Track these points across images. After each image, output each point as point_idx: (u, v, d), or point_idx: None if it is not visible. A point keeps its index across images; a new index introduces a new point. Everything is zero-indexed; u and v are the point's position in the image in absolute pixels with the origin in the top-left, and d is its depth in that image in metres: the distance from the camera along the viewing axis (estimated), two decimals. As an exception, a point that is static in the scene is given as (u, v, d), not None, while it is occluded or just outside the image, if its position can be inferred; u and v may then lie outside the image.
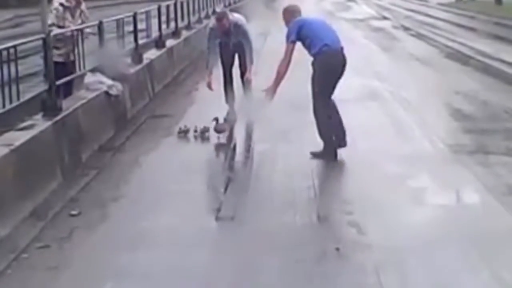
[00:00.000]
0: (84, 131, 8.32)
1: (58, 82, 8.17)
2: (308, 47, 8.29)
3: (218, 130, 9.12)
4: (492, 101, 11.60)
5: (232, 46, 10.05)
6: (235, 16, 10.06)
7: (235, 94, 10.35)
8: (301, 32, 8.25)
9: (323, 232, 6.03)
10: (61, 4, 9.33)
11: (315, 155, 8.20)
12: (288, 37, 8.36)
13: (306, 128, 9.80)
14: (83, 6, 9.64)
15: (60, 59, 8.95)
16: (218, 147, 8.99)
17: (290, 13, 8.69)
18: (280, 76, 8.45)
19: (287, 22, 8.58)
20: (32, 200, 6.45)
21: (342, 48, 8.41)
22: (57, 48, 8.83)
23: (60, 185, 7.14)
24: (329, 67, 8.20)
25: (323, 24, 8.68)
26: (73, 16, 9.32)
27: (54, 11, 9.19)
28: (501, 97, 11.93)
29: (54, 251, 5.66)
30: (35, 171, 6.68)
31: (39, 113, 7.71)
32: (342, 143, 8.24)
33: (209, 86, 10.02)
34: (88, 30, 9.46)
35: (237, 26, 9.85)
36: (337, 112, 8.39)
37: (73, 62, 9.27)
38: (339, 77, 8.34)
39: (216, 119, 9.18)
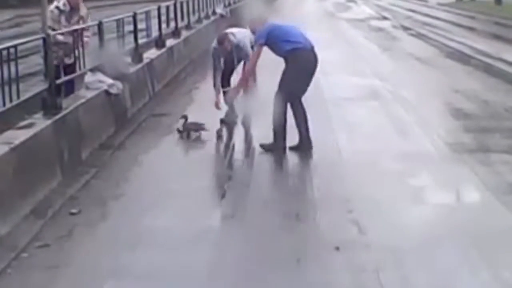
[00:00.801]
0: (84, 130, 8.32)
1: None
2: (279, 48, 8.38)
3: (184, 129, 9.16)
4: (492, 100, 11.60)
5: (236, 61, 9.98)
6: (236, 37, 9.70)
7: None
8: (271, 35, 8.35)
9: (323, 231, 6.02)
10: (57, 7, 9.31)
11: (264, 147, 8.37)
12: (257, 40, 8.47)
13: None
14: (84, 12, 9.56)
15: (54, 62, 8.84)
16: (218, 146, 8.99)
17: (256, 23, 8.79)
18: (245, 77, 8.64)
19: (255, 30, 8.71)
20: (32, 198, 6.45)
21: (313, 47, 8.50)
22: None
23: (60, 183, 7.14)
24: (303, 64, 8.32)
25: (292, 27, 8.82)
26: (68, 20, 9.25)
27: (50, 14, 9.13)
28: (501, 96, 11.94)
29: (54, 250, 5.65)
30: (35, 169, 6.67)
31: (39, 112, 7.71)
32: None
33: (217, 106, 9.74)
34: (86, 38, 9.36)
35: (239, 48, 9.71)
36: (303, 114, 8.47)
37: (70, 65, 9.21)
38: (312, 75, 8.44)
39: (185, 117, 9.19)
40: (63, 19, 9.21)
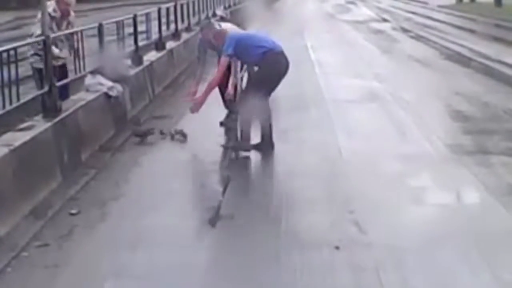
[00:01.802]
0: (84, 132, 8.33)
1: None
2: (250, 55, 8.42)
3: (136, 134, 9.26)
4: (492, 102, 11.61)
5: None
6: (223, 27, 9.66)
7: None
8: (239, 44, 8.38)
9: (323, 231, 6.03)
10: (48, 14, 9.26)
11: (226, 147, 8.48)
12: (225, 51, 8.45)
13: (306, 129, 9.85)
14: (72, 17, 9.53)
15: (42, 66, 8.83)
16: (218, 147, 8.99)
17: (221, 34, 8.78)
18: (211, 87, 8.65)
19: (220, 43, 8.65)
20: (32, 199, 6.46)
21: (283, 51, 8.56)
22: (39, 55, 8.78)
23: (60, 184, 7.14)
24: (275, 70, 8.38)
25: (259, 34, 8.95)
26: (58, 27, 9.23)
27: (38, 24, 9.07)
28: (501, 98, 11.94)
29: (54, 250, 5.66)
30: (35, 171, 6.68)
31: (39, 114, 7.72)
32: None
33: (193, 94, 9.46)
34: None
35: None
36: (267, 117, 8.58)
37: (60, 67, 9.17)
38: (282, 77, 8.49)
39: (137, 121, 9.27)
40: (54, 25, 9.18)
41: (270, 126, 8.57)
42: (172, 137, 9.22)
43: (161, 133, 9.31)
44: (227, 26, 9.63)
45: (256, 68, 8.64)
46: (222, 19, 24.02)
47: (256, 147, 8.50)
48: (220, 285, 5.15)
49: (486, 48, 19.17)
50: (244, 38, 8.57)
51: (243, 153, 8.48)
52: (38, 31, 8.72)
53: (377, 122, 10.32)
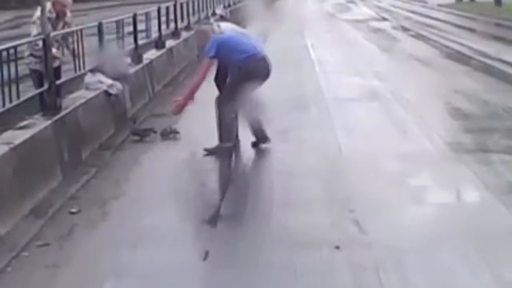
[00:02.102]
0: (84, 130, 8.32)
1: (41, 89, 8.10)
2: (232, 58, 8.42)
3: (134, 133, 9.29)
4: (492, 100, 11.61)
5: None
6: (222, 28, 9.13)
7: None
8: (221, 47, 8.38)
9: (323, 231, 6.02)
10: None
11: (209, 151, 8.39)
12: (206, 53, 8.45)
13: (306, 128, 9.85)
14: (68, 18, 9.50)
15: (37, 67, 8.82)
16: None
17: (204, 35, 8.76)
18: (193, 90, 8.57)
19: (203, 42, 8.66)
20: (32, 198, 6.45)
21: (266, 56, 8.59)
22: (34, 56, 8.75)
23: (60, 183, 7.14)
24: (255, 74, 8.37)
25: (243, 36, 8.80)
26: (54, 27, 9.21)
27: (38, 21, 9.06)
28: (501, 96, 11.93)
29: (54, 249, 5.66)
30: (35, 169, 6.68)
31: (39, 113, 7.72)
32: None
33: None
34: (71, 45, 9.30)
35: None
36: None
37: (55, 68, 9.13)
38: (262, 82, 8.51)
39: (134, 121, 9.36)
40: (49, 26, 9.17)
41: (259, 122, 8.54)
42: (163, 136, 9.21)
43: (154, 132, 9.30)
44: (226, 26, 9.60)
45: (237, 70, 8.59)
46: (222, 18, 24.00)
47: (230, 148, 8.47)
48: (220, 285, 5.15)
49: (486, 46, 19.17)
50: (227, 41, 8.54)
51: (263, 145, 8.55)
52: (35, 31, 8.73)
53: (377, 120, 10.32)
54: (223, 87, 8.74)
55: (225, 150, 8.37)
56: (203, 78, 8.51)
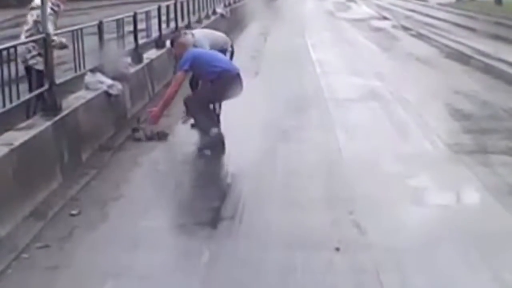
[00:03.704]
0: (84, 130, 8.31)
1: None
2: (206, 73, 8.64)
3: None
4: (492, 100, 11.61)
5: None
6: (195, 36, 9.44)
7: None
8: (196, 61, 8.59)
9: (323, 232, 6.02)
10: (52, 9, 9.23)
11: (201, 148, 8.61)
12: (181, 66, 8.64)
13: (306, 129, 9.85)
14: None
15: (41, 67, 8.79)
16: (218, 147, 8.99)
17: (182, 46, 9.00)
18: (168, 102, 8.76)
19: (179, 54, 8.87)
20: (32, 199, 6.44)
21: (239, 73, 8.76)
22: (41, 55, 8.62)
23: (60, 184, 7.13)
24: (227, 90, 8.61)
25: (217, 54, 9.03)
26: (55, 24, 9.22)
27: (51, 17, 9.04)
28: (501, 96, 11.95)
29: (54, 251, 5.65)
30: (35, 170, 6.67)
31: (39, 113, 7.72)
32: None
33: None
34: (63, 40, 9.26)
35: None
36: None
37: (39, 71, 9.05)
38: (230, 98, 8.77)
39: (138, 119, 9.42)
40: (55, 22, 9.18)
41: (207, 128, 8.68)
42: (148, 138, 9.20)
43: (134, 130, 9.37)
44: (199, 33, 9.74)
45: (209, 84, 8.75)
46: (222, 17, 23.97)
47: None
48: (219, 285, 5.15)
49: (486, 46, 19.17)
50: (201, 56, 8.75)
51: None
52: (50, 28, 8.68)
53: (377, 121, 10.32)
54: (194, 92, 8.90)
55: (215, 138, 8.54)
56: (176, 91, 8.69)
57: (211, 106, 8.99)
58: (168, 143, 9.10)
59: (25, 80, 8.91)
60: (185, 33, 9.59)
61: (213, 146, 8.52)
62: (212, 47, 9.46)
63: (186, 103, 8.83)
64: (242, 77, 8.76)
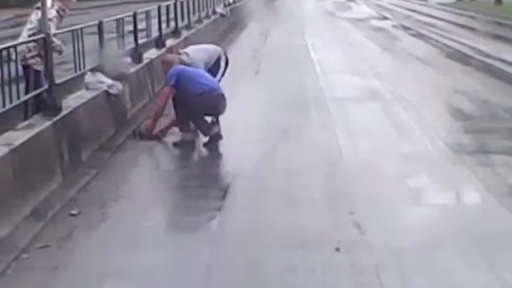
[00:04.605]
0: (84, 130, 8.31)
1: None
2: (190, 89, 8.81)
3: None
4: (492, 100, 11.61)
5: None
6: (190, 56, 9.73)
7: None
8: (181, 77, 8.87)
9: (323, 232, 6.02)
10: (57, 12, 9.22)
11: (207, 142, 8.85)
12: (168, 81, 8.97)
13: (306, 128, 9.85)
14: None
15: (41, 68, 8.71)
16: (218, 146, 9.00)
17: (168, 64, 9.34)
18: (157, 116, 9.12)
19: (165, 71, 9.19)
20: (32, 199, 6.44)
21: (223, 94, 9.02)
22: (41, 56, 8.57)
23: (60, 184, 7.13)
24: (209, 107, 8.90)
25: (203, 72, 9.30)
26: (58, 27, 9.21)
27: (55, 19, 9.04)
28: (501, 96, 11.94)
29: (54, 251, 5.65)
30: (35, 170, 6.67)
31: (39, 113, 7.71)
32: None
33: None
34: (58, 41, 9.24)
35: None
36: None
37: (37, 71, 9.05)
38: (210, 115, 9.05)
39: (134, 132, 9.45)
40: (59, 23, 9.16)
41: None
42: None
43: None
44: (194, 51, 9.89)
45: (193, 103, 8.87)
46: (222, 16, 23.99)
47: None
48: (220, 285, 5.15)
49: (486, 46, 19.17)
50: (187, 72, 9.00)
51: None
52: (53, 29, 8.67)
53: (377, 120, 10.32)
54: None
55: (215, 134, 8.88)
56: (165, 106, 9.03)
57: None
58: (168, 143, 9.10)
59: (22, 80, 8.89)
60: (180, 54, 9.87)
61: (215, 139, 8.85)
62: (208, 63, 9.76)
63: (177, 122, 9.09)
64: (225, 98, 8.98)
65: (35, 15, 9.02)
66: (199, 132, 9.00)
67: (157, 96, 9.66)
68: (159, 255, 5.59)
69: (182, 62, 9.47)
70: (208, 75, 9.27)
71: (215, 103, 8.88)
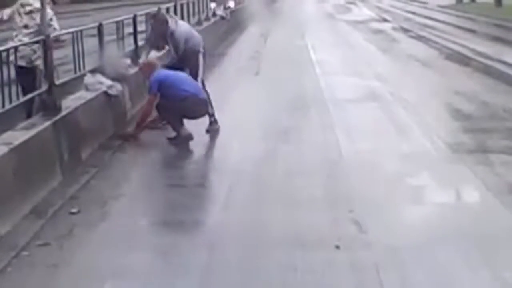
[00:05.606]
0: (83, 130, 8.32)
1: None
2: (173, 95, 8.92)
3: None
4: (491, 101, 11.62)
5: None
6: (178, 24, 9.82)
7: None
8: (163, 83, 8.97)
9: (323, 231, 6.02)
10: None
11: (170, 140, 9.00)
12: (150, 88, 9.08)
13: (306, 129, 9.86)
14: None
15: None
16: (218, 146, 9.01)
17: (149, 66, 9.43)
18: (142, 123, 9.22)
19: (147, 76, 9.28)
20: (32, 198, 6.45)
21: (206, 100, 9.26)
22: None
23: (60, 183, 7.14)
24: (190, 112, 9.00)
25: (186, 77, 9.31)
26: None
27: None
28: (500, 97, 11.95)
29: (54, 249, 5.65)
30: (35, 169, 6.68)
31: (39, 113, 7.72)
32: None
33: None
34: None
35: (173, 37, 9.68)
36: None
37: (30, 71, 9.00)
38: (189, 118, 9.12)
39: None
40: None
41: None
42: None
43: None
44: (183, 24, 9.83)
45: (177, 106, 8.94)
46: (223, 19, 23.97)
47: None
48: (220, 285, 5.15)
49: (485, 47, 19.17)
50: (169, 78, 9.06)
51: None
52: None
53: (377, 121, 10.33)
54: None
55: (187, 135, 8.98)
56: (150, 113, 9.16)
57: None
58: (168, 143, 9.10)
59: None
60: (171, 17, 9.96)
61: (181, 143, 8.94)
62: (187, 41, 9.69)
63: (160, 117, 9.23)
64: (206, 102, 9.16)
65: (32, 19, 9.00)
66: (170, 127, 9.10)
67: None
68: (159, 254, 5.58)
69: (168, 27, 9.56)
70: (190, 79, 9.29)
71: (196, 108, 9.00)
